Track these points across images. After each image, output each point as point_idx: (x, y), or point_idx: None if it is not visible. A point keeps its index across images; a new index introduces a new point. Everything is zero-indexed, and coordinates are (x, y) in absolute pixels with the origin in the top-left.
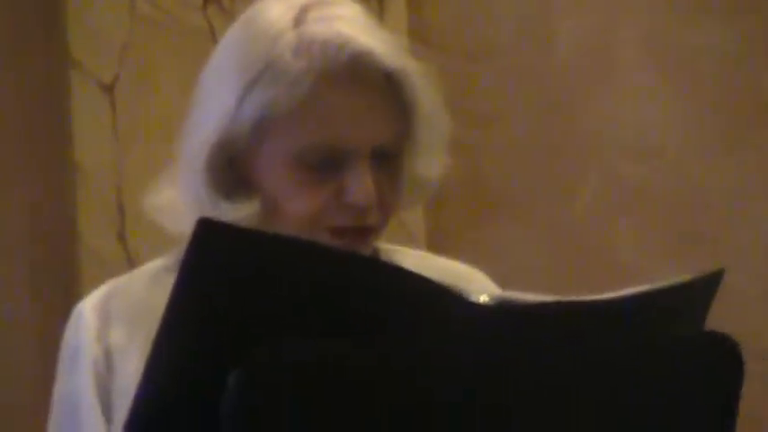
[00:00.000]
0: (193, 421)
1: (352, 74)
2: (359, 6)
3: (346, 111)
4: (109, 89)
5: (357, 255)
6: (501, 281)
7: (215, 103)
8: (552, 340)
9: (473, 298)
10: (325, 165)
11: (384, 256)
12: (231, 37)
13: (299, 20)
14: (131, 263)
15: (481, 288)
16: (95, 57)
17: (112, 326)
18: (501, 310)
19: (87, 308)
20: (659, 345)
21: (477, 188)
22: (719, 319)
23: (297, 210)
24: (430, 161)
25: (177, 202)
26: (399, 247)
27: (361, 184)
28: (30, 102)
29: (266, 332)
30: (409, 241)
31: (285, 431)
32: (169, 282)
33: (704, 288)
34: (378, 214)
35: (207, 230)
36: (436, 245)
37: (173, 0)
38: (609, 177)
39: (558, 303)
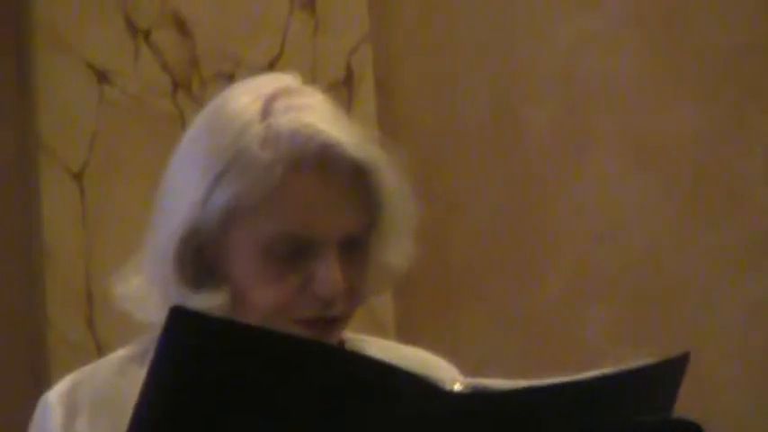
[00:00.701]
0: None
1: (321, 164)
2: (323, 95)
3: (315, 201)
4: (78, 176)
5: (323, 344)
6: (471, 367)
7: (183, 193)
8: (524, 425)
9: (446, 386)
10: (292, 255)
11: (350, 346)
12: (198, 127)
13: (265, 110)
14: (100, 349)
15: (447, 377)
16: (65, 142)
17: (78, 416)
18: (474, 396)
19: (53, 398)
20: (625, 429)
21: (445, 275)
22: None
23: (264, 300)
24: (396, 248)
25: (145, 290)
26: (366, 337)
27: (328, 275)
28: None
29: (233, 411)
30: (378, 329)
31: None
32: (134, 372)
33: (670, 371)
34: (345, 303)
35: (179, 318)
36: (405, 332)
37: (141, 87)
38: (579, 263)
39: (528, 389)
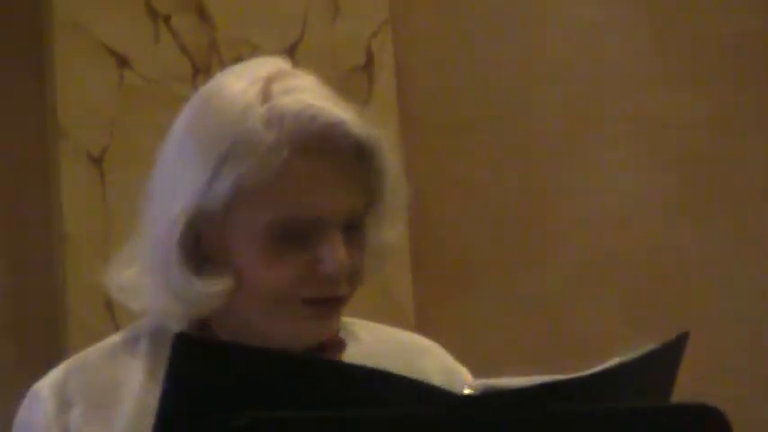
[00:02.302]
0: None
1: (324, 145)
2: (316, 77)
3: (320, 182)
4: (98, 161)
5: (331, 361)
6: (486, 348)
7: (182, 180)
8: (537, 423)
9: (458, 391)
10: (298, 236)
11: (344, 329)
12: (192, 115)
13: (265, 93)
14: None
15: (435, 362)
16: (85, 128)
17: (71, 408)
18: (487, 397)
19: (45, 390)
20: (647, 415)
21: (461, 259)
22: (703, 387)
23: (269, 282)
24: (392, 229)
25: (140, 280)
26: (355, 320)
27: (334, 255)
28: (20, 172)
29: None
30: (397, 312)
31: None
32: (125, 360)
33: (670, 354)
34: (347, 284)
35: (184, 344)
36: (423, 315)
37: (161, 71)
38: (591, 247)
39: (538, 387)
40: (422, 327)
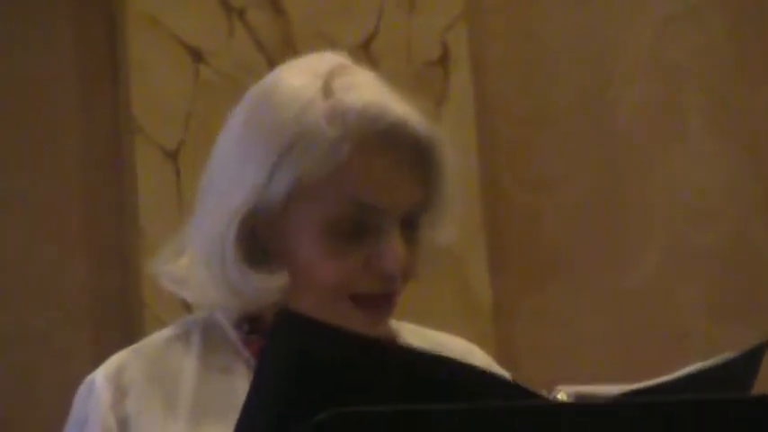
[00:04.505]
0: None
1: (388, 141)
2: (375, 73)
3: (380, 178)
4: (173, 155)
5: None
6: (564, 344)
7: (241, 173)
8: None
9: (552, 396)
10: (355, 232)
11: (391, 333)
12: (251, 110)
13: (326, 88)
14: None
15: (482, 364)
16: (159, 123)
17: (127, 396)
18: (581, 406)
19: (101, 379)
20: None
21: (539, 254)
22: None
23: (325, 277)
24: (446, 229)
25: (193, 272)
26: (401, 323)
27: (393, 251)
28: (95, 168)
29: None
30: (475, 308)
31: None
32: (179, 351)
33: (749, 362)
34: (400, 282)
35: (286, 320)
36: (502, 311)
37: (236, 66)
38: (672, 243)
39: (629, 399)
40: (500, 322)
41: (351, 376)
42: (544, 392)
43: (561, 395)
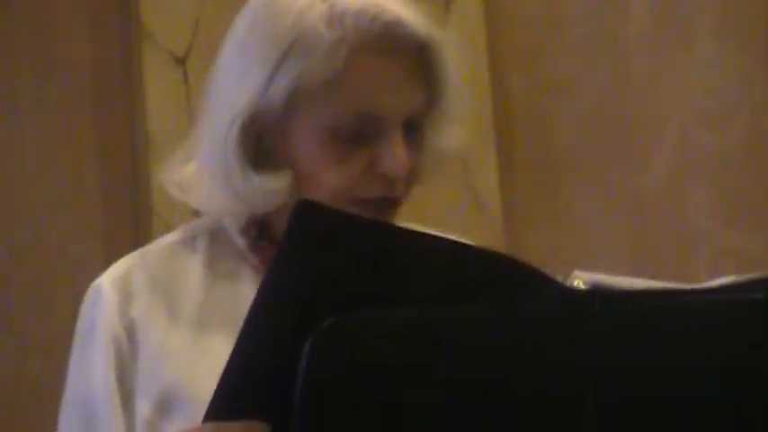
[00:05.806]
0: (284, 390)
1: (386, 43)
2: None
3: (381, 81)
4: (181, 61)
5: (448, 239)
6: (575, 247)
7: (243, 78)
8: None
9: (569, 282)
10: (357, 136)
11: None
12: (252, 14)
13: None
14: None
15: None
16: (168, 29)
17: (133, 301)
18: (596, 294)
19: (106, 283)
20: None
21: (549, 157)
22: None
23: (329, 181)
24: (450, 133)
25: (199, 178)
26: (407, 225)
27: (395, 154)
28: (104, 73)
29: (358, 305)
30: (484, 211)
31: (351, 397)
32: (185, 256)
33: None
34: (404, 186)
35: (306, 209)
36: (510, 214)
37: None
38: (681, 145)
39: (650, 293)
40: (509, 227)
41: (378, 266)
42: (560, 278)
43: (578, 282)
